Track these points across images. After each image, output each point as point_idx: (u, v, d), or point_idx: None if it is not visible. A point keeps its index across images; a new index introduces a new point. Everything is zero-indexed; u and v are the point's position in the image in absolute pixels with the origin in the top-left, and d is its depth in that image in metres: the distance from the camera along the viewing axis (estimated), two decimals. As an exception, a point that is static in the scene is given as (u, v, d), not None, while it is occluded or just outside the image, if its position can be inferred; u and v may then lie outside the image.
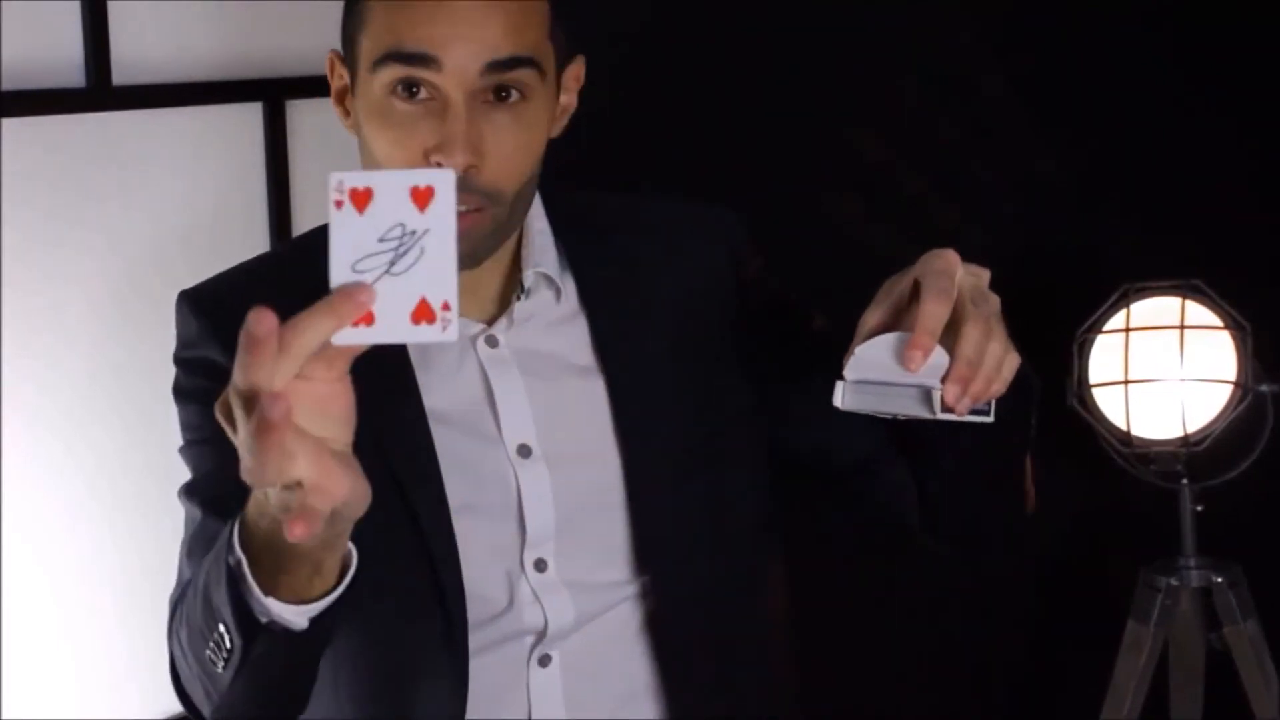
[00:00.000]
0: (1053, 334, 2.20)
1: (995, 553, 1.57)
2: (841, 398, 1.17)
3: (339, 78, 1.29)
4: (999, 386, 1.16)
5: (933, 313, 1.12)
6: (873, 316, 1.18)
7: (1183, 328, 2.16)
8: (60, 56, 1.69)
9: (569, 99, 1.31)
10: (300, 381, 0.88)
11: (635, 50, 2.13)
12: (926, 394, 1.15)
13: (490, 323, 1.31)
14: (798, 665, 1.42)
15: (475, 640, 1.27)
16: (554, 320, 1.33)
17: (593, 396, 1.31)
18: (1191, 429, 2.15)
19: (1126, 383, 2.17)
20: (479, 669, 1.27)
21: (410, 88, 1.21)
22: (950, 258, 1.16)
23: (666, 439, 1.31)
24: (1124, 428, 2.18)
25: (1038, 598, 2.49)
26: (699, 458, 1.32)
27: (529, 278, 1.31)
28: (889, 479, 1.39)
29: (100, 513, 1.74)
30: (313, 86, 1.89)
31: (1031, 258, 2.38)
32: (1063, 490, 2.30)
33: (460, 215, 1.19)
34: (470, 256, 1.25)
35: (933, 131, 2.34)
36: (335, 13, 1.30)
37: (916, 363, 1.12)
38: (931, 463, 1.35)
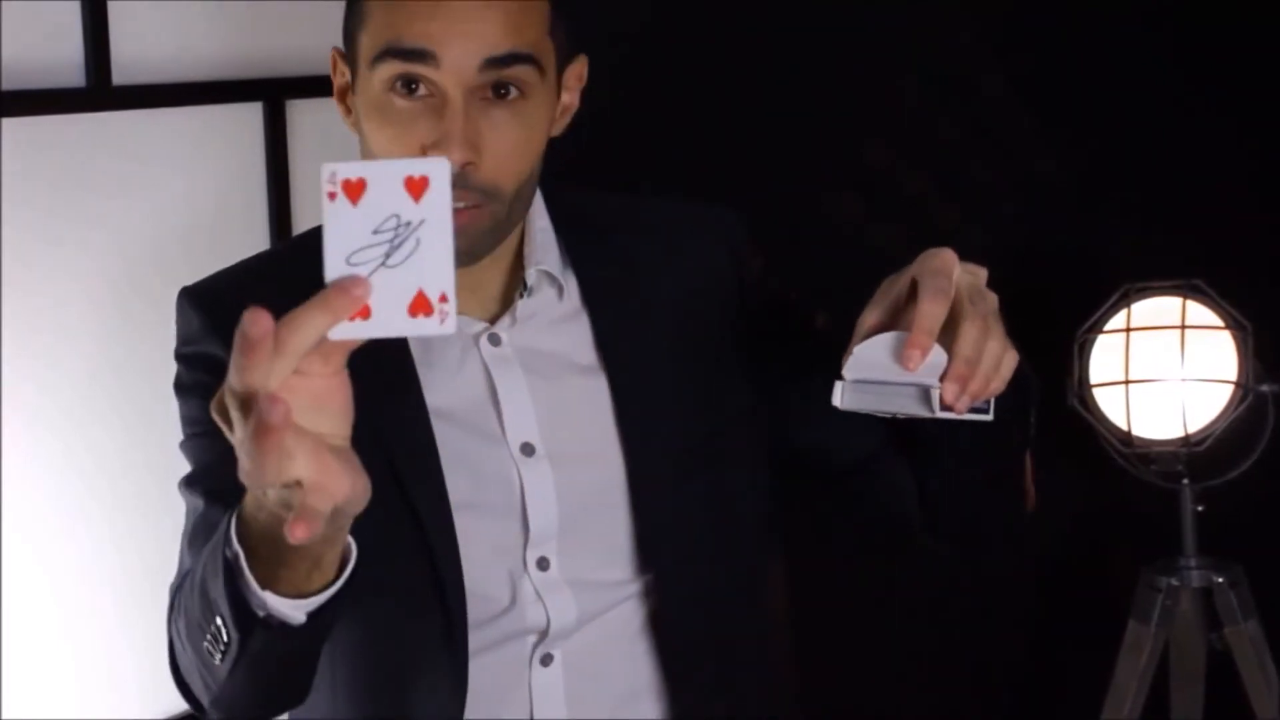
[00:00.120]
0: (1053, 334, 2.20)
1: (995, 552, 1.57)
2: (840, 397, 1.17)
3: (341, 75, 1.29)
4: (997, 385, 1.16)
5: (930, 312, 1.13)
6: (871, 316, 1.18)
7: (1183, 328, 2.16)
8: (60, 56, 1.69)
9: (571, 98, 1.31)
10: (296, 377, 0.87)
11: (635, 50, 2.13)
12: (925, 393, 1.15)
13: (493, 321, 1.31)
14: (798, 665, 1.42)
15: (477, 640, 1.26)
16: (556, 318, 1.33)
17: (595, 395, 1.31)
18: (1192, 429, 2.15)
19: (1127, 383, 2.17)
20: (480, 669, 1.27)
21: (409, 84, 1.21)
22: (947, 257, 1.16)
23: (668, 438, 1.31)
24: (1125, 428, 2.18)
25: (1038, 598, 2.49)
26: (699, 457, 1.32)
27: (532, 275, 1.31)
28: (889, 479, 1.39)
29: (100, 513, 1.74)
30: (313, 86, 1.90)
31: (1032, 258, 2.38)
32: (1063, 490, 2.30)
33: (458, 212, 1.20)
34: (469, 253, 1.25)
35: (933, 131, 2.34)
36: (335, 12, 1.30)
37: (915, 362, 1.13)
38: (931, 462, 1.34)
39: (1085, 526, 2.46)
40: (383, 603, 1.24)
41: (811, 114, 2.26)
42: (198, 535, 1.22)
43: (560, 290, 1.33)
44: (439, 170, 0.88)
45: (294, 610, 1.01)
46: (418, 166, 0.88)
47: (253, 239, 1.87)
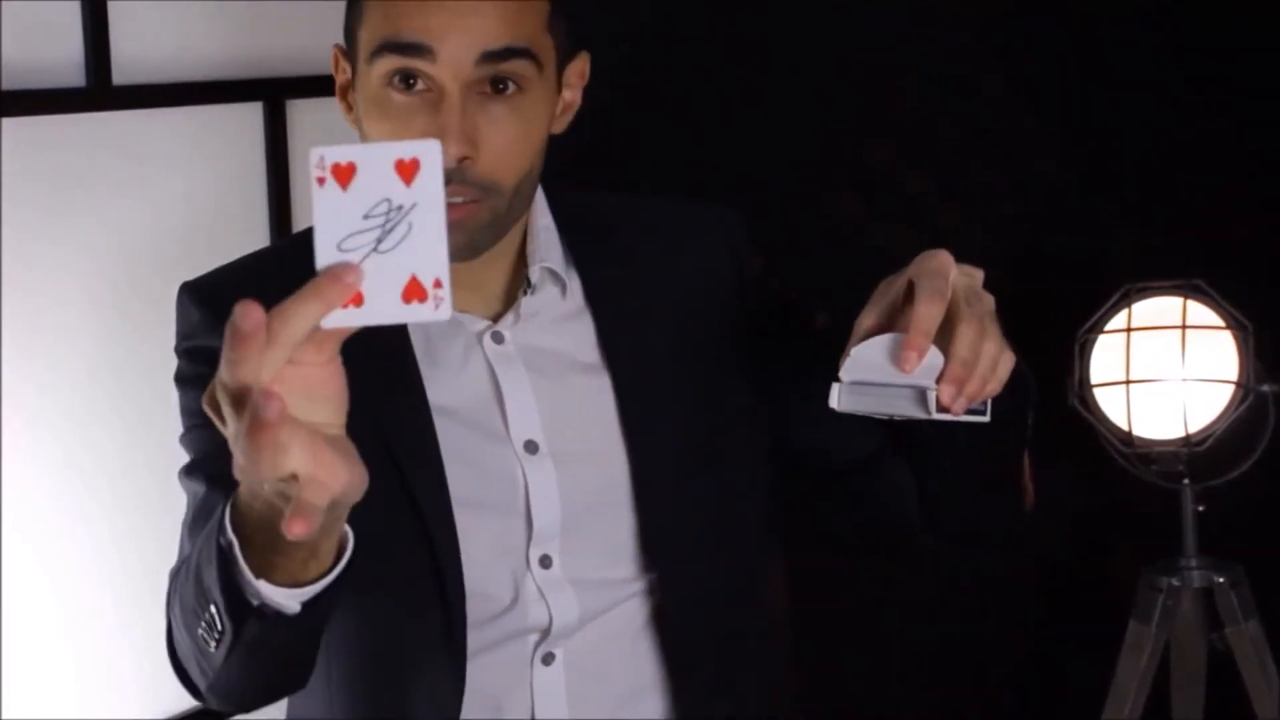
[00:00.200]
0: (1054, 334, 2.20)
1: (995, 552, 1.57)
2: (837, 399, 1.17)
3: (342, 72, 1.30)
4: (994, 386, 1.16)
5: (927, 314, 1.13)
6: (868, 318, 1.18)
7: (1184, 328, 2.16)
8: (60, 56, 1.69)
9: (572, 95, 1.31)
10: (289, 367, 0.86)
11: (635, 50, 2.12)
12: (922, 395, 1.15)
13: (496, 319, 1.31)
14: (798, 665, 1.42)
15: (478, 639, 1.26)
16: (559, 316, 1.33)
17: (598, 394, 1.31)
18: (1193, 429, 2.15)
19: (1128, 383, 2.17)
20: (482, 668, 1.27)
21: (407, 79, 1.21)
22: (944, 258, 1.16)
23: (670, 438, 1.31)
24: (1125, 428, 2.18)
25: (1039, 598, 2.49)
26: (700, 457, 1.32)
27: (535, 273, 1.31)
28: (889, 479, 1.39)
29: (100, 513, 1.74)
30: (313, 86, 1.90)
31: (1032, 258, 2.38)
32: (1064, 490, 2.30)
33: (457, 206, 1.20)
34: (469, 248, 1.25)
35: (933, 131, 2.34)
36: (335, 12, 1.30)
37: (911, 364, 1.13)
38: (930, 463, 1.35)
39: (1086, 526, 2.46)
40: (382, 600, 1.24)
41: (811, 114, 2.26)
42: (198, 520, 1.22)
43: (563, 288, 1.33)
44: (430, 152, 0.86)
45: (288, 600, 1.00)
46: (408, 149, 0.86)
47: (253, 239, 1.87)
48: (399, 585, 1.25)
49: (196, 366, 1.28)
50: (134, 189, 1.76)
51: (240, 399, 0.85)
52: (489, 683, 1.27)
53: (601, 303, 1.33)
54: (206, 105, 1.83)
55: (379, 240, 0.86)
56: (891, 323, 1.17)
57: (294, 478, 0.87)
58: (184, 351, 1.30)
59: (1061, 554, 2.46)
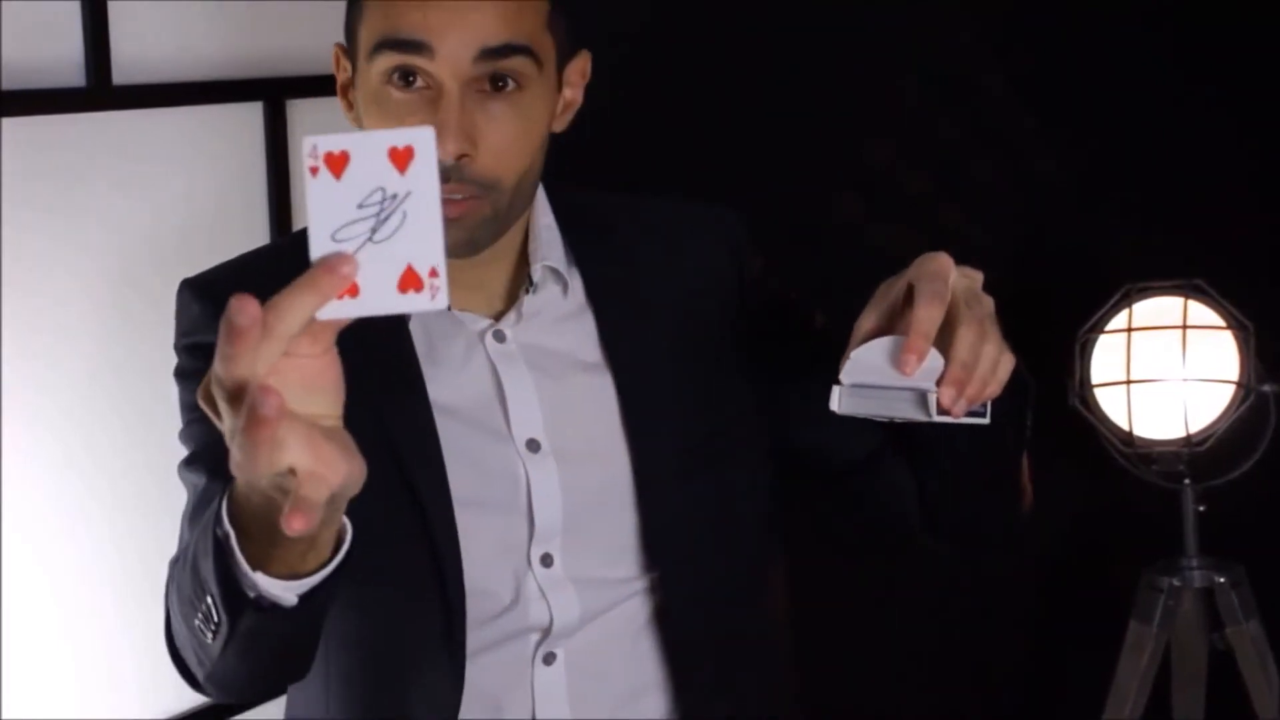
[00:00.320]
0: (1054, 334, 2.20)
1: (995, 551, 1.57)
2: (838, 402, 1.17)
3: (343, 70, 1.30)
4: (994, 389, 1.16)
5: (927, 316, 1.13)
6: (867, 320, 1.18)
7: (1185, 328, 2.16)
8: (60, 56, 1.69)
9: (573, 94, 1.31)
10: (285, 360, 0.85)
11: (635, 50, 2.12)
12: (922, 397, 1.16)
13: (497, 318, 1.31)
14: (798, 665, 1.42)
15: (479, 638, 1.26)
16: (561, 315, 1.33)
17: (600, 393, 1.31)
18: (1194, 429, 2.15)
19: (1129, 383, 2.17)
20: (482, 668, 1.27)
21: (406, 76, 1.21)
22: (943, 261, 1.16)
23: (672, 437, 1.31)
24: (1126, 428, 2.18)
25: (1039, 598, 2.49)
26: (700, 457, 1.32)
27: (538, 271, 1.31)
28: (889, 479, 1.39)
29: (100, 513, 1.74)
30: (313, 86, 1.90)
31: (1033, 258, 2.38)
32: (1065, 490, 2.30)
33: (456, 202, 1.20)
34: (469, 244, 1.25)
35: (933, 131, 2.34)
36: (335, 12, 1.30)
37: (912, 366, 1.13)
38: (929, 463, 1.35)
39: (1086, 527, 2.46)
40: (382, 599, 1.24)
41: (811, 114, 2.26)
42: (198, 510, 1.21)
43: (565, 287, 1.33)
44: (423, 139, 0.85)
45: (285, 592, 0.99)
46: (401, 136, 0.85)
47: (253, 239, 1.87)
48: (399, 584, 1.25)
49: (197, 362, 1.28)
50: (134, 189, 1.76)
51: (236, 395, 0.84)
52: (489, 683, 1.27)
53: (602, 302, 1.33)
54: (206, 105, 1.83)
55: (374, 230, 0.85)
56: (891, 325, 1.17)
57: (291, 472, 0.86)
58: (184, 347, 1.30)
59: (1062, 554, 2.46)
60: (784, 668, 1.41)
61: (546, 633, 1.28)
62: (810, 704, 1.43)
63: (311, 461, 0.85)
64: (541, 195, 1.35)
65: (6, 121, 1.63)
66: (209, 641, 1.04)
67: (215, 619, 1.02)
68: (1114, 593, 2.28)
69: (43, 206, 1.67)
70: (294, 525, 0.86)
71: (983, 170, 2.37)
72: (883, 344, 1.15)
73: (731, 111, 2.24)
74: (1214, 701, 2.25)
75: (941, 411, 1.15)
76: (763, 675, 1.37)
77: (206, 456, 1.23)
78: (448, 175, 1.18)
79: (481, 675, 1.26)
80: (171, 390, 1.31)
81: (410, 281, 0.85)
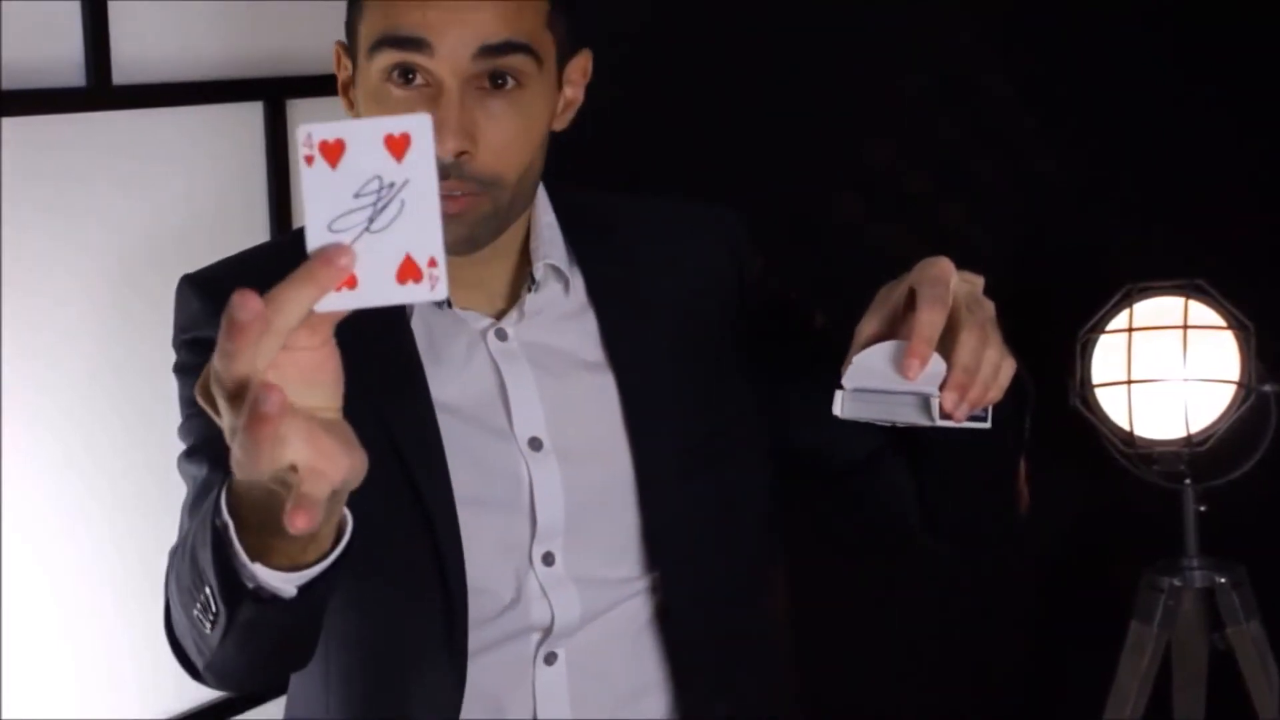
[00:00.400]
0: (1055, 334, 2.20)
1: (994, 551, 1.57)
2: (840, 407, 1.17)
3: (344, 69, 1.30)
4: (996, 393, 1.16)
5: (929, 321, 1.13)
6: (869, 325, 1.18)
7: (1186, 328, 2.16)
8: (60, 56, 1.69)
9: (574, 92, 1.31)
10: (283, 353, 0.84)
11: (636, 49, 2.12)
12: (924, 401, 1.16)
13: (499, 316, 1.31)
14: (798, 665, 1.42)
15: (480, 638, 1.26)
16: (563, 314, 1.33)
17: (602, 392, 1.31)
18: (1194, 429, 2.15)
19: (1129, 383, 2.17)
20: (483, 668, 1.26)
21: (406, 74, 1.21)
22: (944, 265, 1.16)
23: (672, 437, 1.31)
24: (1127, 428, 2.18)
25: (1040, 598, 2.49)
26: (701, 457, 1.32)
27: (539, 270, 1.31)
28: (889, 479, 1.39)
29: (100, 513, 1.74)
30: (313, 86, 1.90)
31: (1034, 258, 2.38)
32: (1065, 491, 2.30)
33: (456, 199, 1.20)
34: (470, 240, 1.25)
35: (934, 131, 2.34)
36: (335, 12, 1.30)
37: (914, 371, 1.13)
38: (929, 465, 1.35)
39: (1087, 527, 2.46)
40: (382, 598, 1.24)
41: (812, 114, 2.26)
42: (198, 501, 1.21)
43: (566, 285, 1.33)
44: (420, 126, 0.83)
45: (284, 583, 0.98)
46: (398, 124, 0.83)
47: (253, 238, 1.86)
48: (400, 582, 1.25)
49: (196, 356, 1.27)
50: (134, 189, 1.76)
51: (237, 393, 0.84)
52: (490, 682, 1.27)
53: (604, 301, 1.34)
54: (206, 105, 1.83)
55: (371, 219, 0.83)
56: (892, 330, 1.17)
57: (292, 469, 0.85)
58: (184, 342, 1.30)
59: (1062, 554, 2.46)
60: (784, 668, 1.41)
61: (548, 632, 1.28)
62: (810, 704, 1.43)
63: (312, 457, 0.85)
64: (543, 194, 1.35)
65: (6, 121, 1.62)
66: (208, 632, 1.04)
67: (214, 610, 1.01)
68: (1114, 593, 2.28)
69: (43, 206, 1.67)
70: (297, 523, 0.85)
71: (983, 170, 2.37)
72: (885, 349, 1.15)
73: (731, 111, 2.24)
74: (1214, 702, 2.25)
75: (944, 416, 1.15)
76: (763, 675, 1.37)
77: (207, 449, 1.23)
78: (447, 173, 1.18)
79: (482, 675, 1.26)
80: (171, 389, 1.31)
81: (409, 272, 0.84)
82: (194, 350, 1.29)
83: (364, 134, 0.83)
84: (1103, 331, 2.20)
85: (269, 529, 0.94)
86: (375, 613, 1.25)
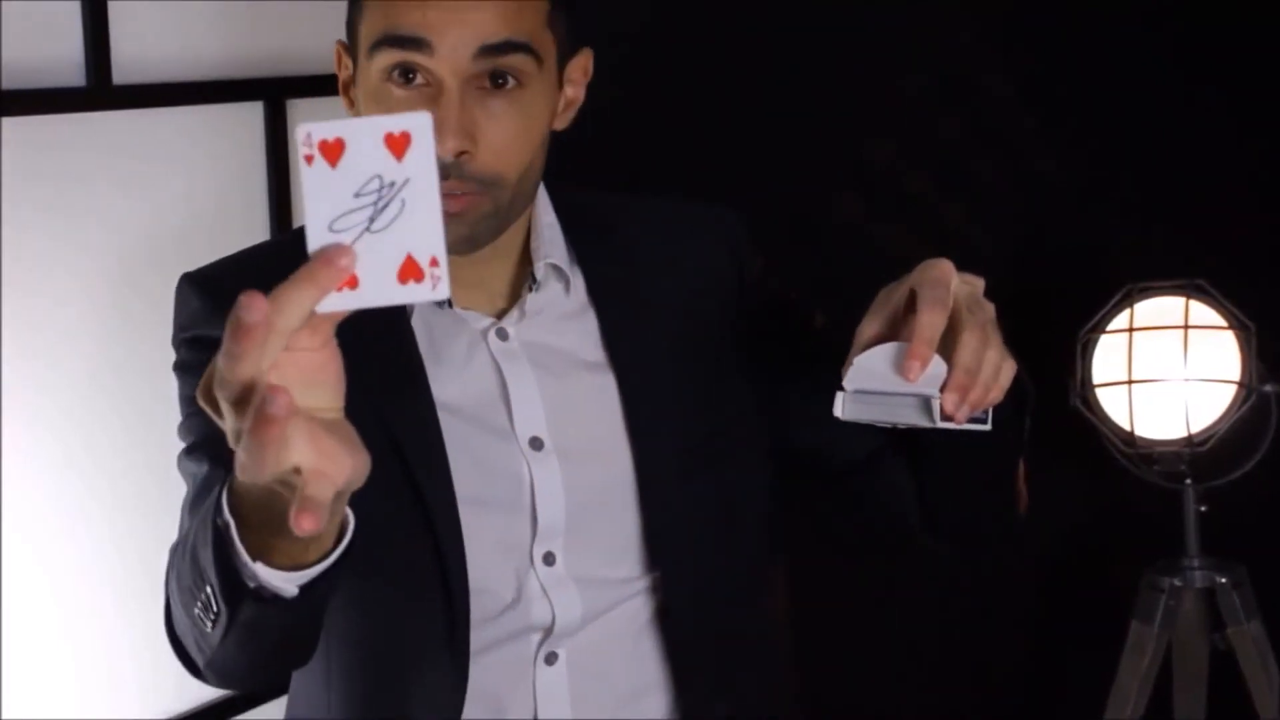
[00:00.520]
0: (1056, 334, 2.20)
1: (993, 551, 1.57)
2: (841, 408, 1.17)
3: (344, 68, 1.30)
4: (996, 394, 1.16)
5: (930, 322, 1.13)
6: (869, 327, 1.18)
7: (1186, 328, 2.16)
8: (60, 56, 1.69)
9: (575, 92, 1.31)
10: (284, 354, 0.84)
11: (636, 49, 2.12)
12: (925, 403, 1.16)
13: (500, 316, 1.31)
14: (798, 665, 1.42)
15: (481, 638, 1.26)
16: (563, 314, 1.33)
17: (603, 392, 1.31)
18: (1195, 429, 2.15)
19: (1130, 383, 2.17)
20: (484, 668, 1.26)
21: (406, 73, 1.21)
22: (945, 267, 1.16)
23: (672, 437, 1.31)
24: (1127, 428, 2.18)
25: (1040, 598, 2.49)
26: (701, 457, 1.32)
27: (540, 269, 1.31)
28: (889, 479, 1.39)
29: (100, 513, 1.74)
30: (314, 86, 1.90)
31: (1034, 258, 2.38)
32: (1066, 491, 2.30)
33: (456, 198, 1.20)
34: (470, 240, 1.25)
35: (934, 131, 2.34)
36: (335, 12, 1.30)
37: (915, 372, 1.13)
38: (929, 466, 1.35)
39: (1088, 527, 2.45)
40: (383, 597, 1.24)
41: (812, 114, 2.26)
42: (199, 498, 1.21)
43: (567, 285, 1.33)
44: (421, 125, 0.82)
45: (285, 583, 0.98)
46: (398, 122, 0.82)
47: (253, 238, 1.86)
48: (401, 582, 1.25)
49: (197, 355, 1.27)
50: (134, 189, 1.76)
51: (242, 395, 0.83)
52: (491, 682, 1.27)
53: (604, 301, 1.34)
54: (206, 105, 1.83)
55: (371, 219, 0.83)
56: (893, 331, 1.17)
57: (296, 471, 0.85)
58: (184, 341, 1.30)
59: (1063, 554, 2.46)
60: (784, 668, 1.41)
61: (548, 632, 1.28)
62: (810, 704, 1.43)
63: (316, 459, 0.85)
64: (543, 193, 1.35)
65: (6, 121, 1.62)
66: (208, 631, 1.04)
67: (215, 609, 1.01)
68: (1115, 593, 2.28)
69: (43, 206, 1.67)
70: (303, 526, 0.85)
71: (983, 170, 2.37)
72: (885, 350, 1.15)
73: (731, 111, 2.24)
74: (1215, 702, 2.25)
75: (944, 417, 1.15)
76: (763, 675, 1.37)
77: (206, 447, 1.23)
78: (447, 173, 1.18)
79: (483, 675, 1.26)
80: (171, 389, 1.31)
81: (410, 271, 0.83)
82: (194, 348, 1.28)
83: (364, 133, 0.83)
84: (1103, 331, 2.20)
85: (270, 528, 0.94)
86: (376, 612, 1.25)
